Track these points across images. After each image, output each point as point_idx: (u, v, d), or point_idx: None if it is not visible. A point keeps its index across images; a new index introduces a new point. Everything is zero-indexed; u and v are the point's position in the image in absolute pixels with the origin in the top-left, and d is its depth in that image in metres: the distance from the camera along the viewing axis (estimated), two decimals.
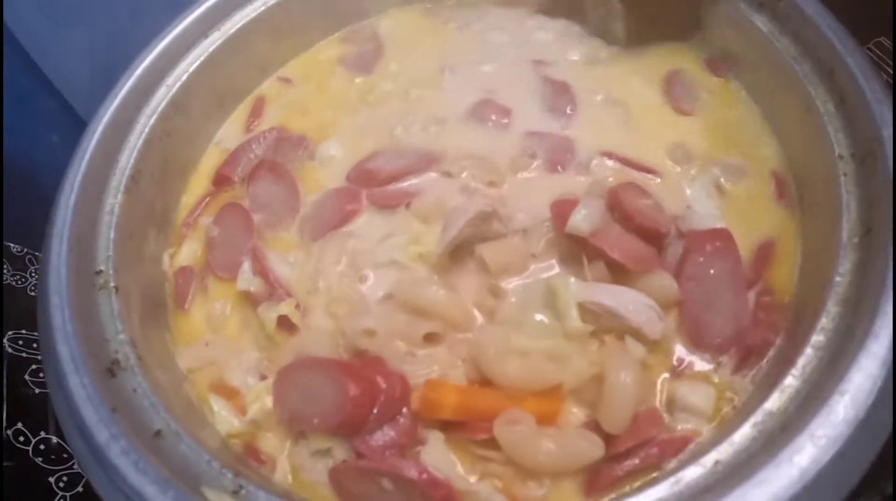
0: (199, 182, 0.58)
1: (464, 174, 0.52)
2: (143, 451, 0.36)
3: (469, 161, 0.52)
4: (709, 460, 0.35)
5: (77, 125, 0.80)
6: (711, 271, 0.44)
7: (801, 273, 0.45)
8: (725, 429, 0.38)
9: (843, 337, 0.38)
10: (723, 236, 0.45)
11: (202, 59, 0.58)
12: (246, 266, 0.49)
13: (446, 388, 0.41)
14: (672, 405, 0.41)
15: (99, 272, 0.47)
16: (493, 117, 0.55)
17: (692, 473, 0.34)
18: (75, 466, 0.63)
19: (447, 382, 0.41)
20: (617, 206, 0.45)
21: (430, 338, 0.43)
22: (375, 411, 0.39)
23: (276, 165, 0.56)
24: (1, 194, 0.69)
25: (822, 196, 0.45)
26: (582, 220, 0.43)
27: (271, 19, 0.61)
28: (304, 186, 0.55)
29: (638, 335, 0.41)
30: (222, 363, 0.47)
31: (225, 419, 0.44)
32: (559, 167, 0.52)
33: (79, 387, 0.39)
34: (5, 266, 0.69)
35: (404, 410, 0.40)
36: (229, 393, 0.46)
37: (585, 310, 0.42)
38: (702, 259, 0.44)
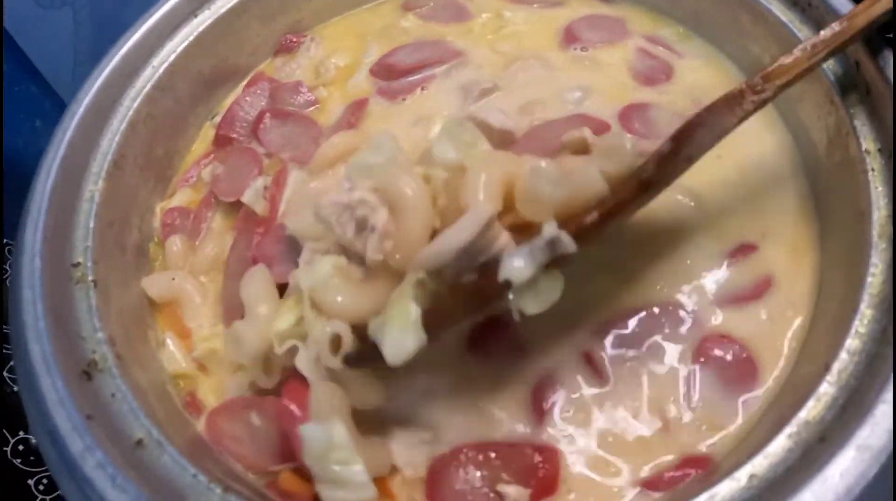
0: (190, 164, 0.53)
1: None
2: (122, 464, 0.31)
3: None
4: (743, 474, 0.31)
5: (60, 111, 0.73)
6: None
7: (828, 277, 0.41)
8: (758, 440, 0.34)
9: (878, 341, 0.34)
10: None
11: (190, 39, 0.53)
12: (259, 182, 0.46)
13: None
14: None
15: (76, 265, 0.42)
16: None
17: (727, 488, 0.30)
18: None
19: None
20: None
21: None
22: None
23: (278, 110, 0.51)
24: None
25: (848, 195, 0.42)
26: None
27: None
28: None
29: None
30: (184, 301, 0.44)
31: (173, 356, 0.42)
32: None
33: (51, 390, 0.34)
34: None
35: None
36: (183, 333, 0.44)
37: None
38: None
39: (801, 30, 0.47)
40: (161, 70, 0.51)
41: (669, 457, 0.36)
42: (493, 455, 0.35)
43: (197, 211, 0.49)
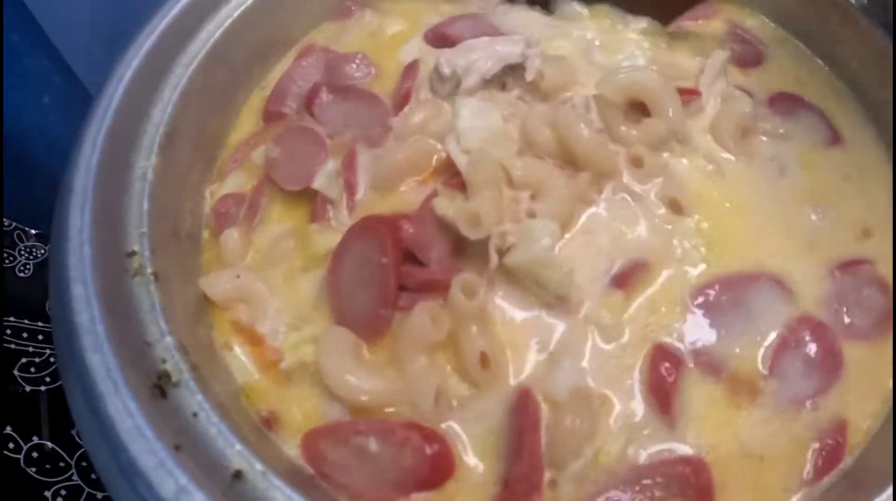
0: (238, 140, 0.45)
1: None
2: None
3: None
4: None
5: (73, 87, 0.65)
6: None
7: None
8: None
9: None
10: None
11: (247, 3, 0.45)
12: (330, 165, 0.41)
13: None
14: None
15: (132, 254, 0.34)
16: None
17: None
18: (75, 477, 0.50)
19: None
20: None
21: None
22: None
23: (336, 84, 0.45)
24: None
25: None
26: None
27: None
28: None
29: None
30: (255, 302, 0.37)
31: (244, 366, 0.35)
32: None
33: (122, 415, 0.26)
34: None
35: None
36: (253, 339, 0.36)
37: None
38: None
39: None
40: (217, 35, 0.43)
41: None
42: None
43: (251, 198, 0.42)
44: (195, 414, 0.29)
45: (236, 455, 0.27)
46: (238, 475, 0.27)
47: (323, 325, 0.36)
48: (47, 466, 0.50)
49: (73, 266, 0.31)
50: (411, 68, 0.46)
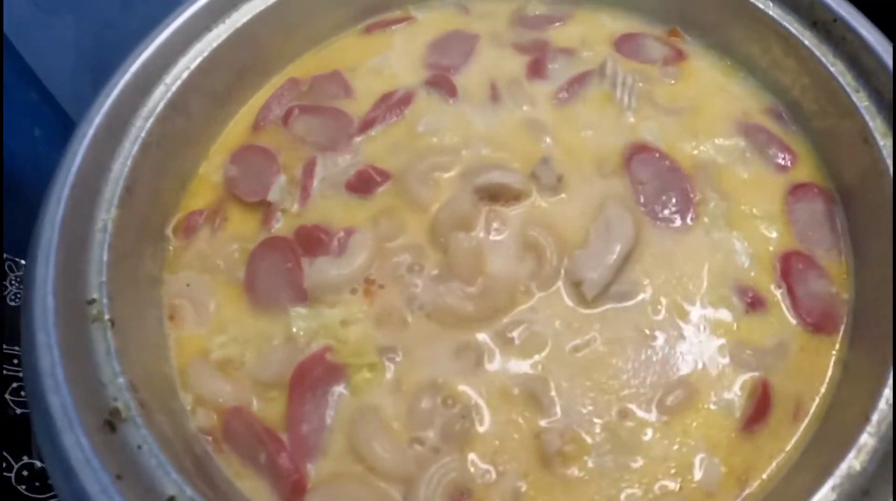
0: (201, 187, 0.50)
1: None
2: None
3: None
4: None
5: (60, 119, 0.70)
6: None
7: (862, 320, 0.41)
8: (799, 492, 0.33)
9: None
10: None
11: (205, 54, 0.49)
12: (282, 179, 0.47)
13: None
14: None
15: (91, 302, 0.39)
16: None
17: None
18: None
19: None
20: None
21: None
22: None
23: (307, 106, 0.51)
24: None
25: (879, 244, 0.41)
26: None
27: (282, 11, 0.52)
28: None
29: None
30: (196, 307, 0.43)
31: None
32: None
33: (75, 448, 0.31)
34: None
35: None
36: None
37: None
38: None
39: (834, 64, 0.46)
40: (174, 88, 0.48)
41: None
42: None
43: (213, 211, 0.48)
44: (139, 447, 0.33)
45: (171, 482, 0.32)
46: (171, 500, 0.32)
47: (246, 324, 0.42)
48: (36, 483, 0.56)
49: (38, 316, 0.36)
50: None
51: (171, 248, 0.47)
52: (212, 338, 0.42)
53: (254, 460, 0.38)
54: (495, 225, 0.43)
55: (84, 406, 0.34)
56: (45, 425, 0.33)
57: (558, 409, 0.38)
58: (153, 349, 0.41)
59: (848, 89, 0.45)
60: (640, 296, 0.41)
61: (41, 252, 0.39)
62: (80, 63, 0.66)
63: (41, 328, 0.36)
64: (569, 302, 0.41)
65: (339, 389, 0.39)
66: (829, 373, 0.40)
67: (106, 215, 0.42)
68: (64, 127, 0.67)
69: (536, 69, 0.51)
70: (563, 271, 0.41)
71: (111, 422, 0.34)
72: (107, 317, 0.39)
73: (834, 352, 0.41)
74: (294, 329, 0.41)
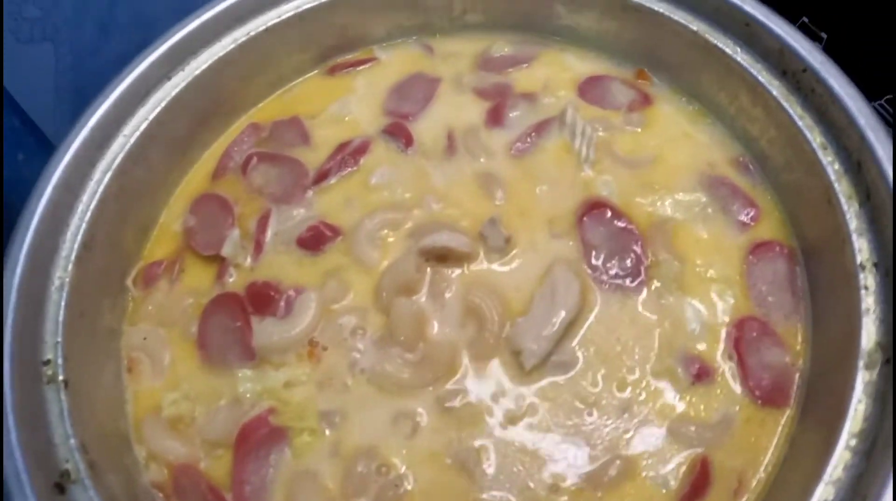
0: (162, 235, 0.51)
1: None
2: None
3: None
4: None
5: (42, 144, 0.72)
6: None
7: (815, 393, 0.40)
8: None
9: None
10: None
11: (164, 103, 0.50)
12: (235, 233, 0.47)
13: None
14: None
15: (47, 362, 0.41)
16: None
17: None
18: None
19: None
20: None
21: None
22: None
23: (265, 153, 0.51)
24: None
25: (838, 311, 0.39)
26: None
27: (243, 56, 0.52)
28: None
29: None
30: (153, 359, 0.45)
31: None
32: None
33: None
34: None
35: None
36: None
37: None
38: None
39: (802, 117, 0.43)
40: (133, 139, 0.48)
41: None
42: None
43: (171, 263, 0.49)
44: None
45: None
46: None
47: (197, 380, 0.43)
48: None
49: None
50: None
51: (130, 299, 0.48)
52: (165, 394, 0.44)
53: None
54: (440, 288, 0.43)
55: (35, 469, 0.36)
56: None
57: (490, 480, 0.38)
58: (109, 404, 0.43)
59: (815, 145, 0.42)
60: (580, 367, 0.41)
61: None
62: (61, 91, 0.67)
63: None
64: (507, 372, 0.41)
65: (281, 450, 0.41)
66: (773, 448, 0.40)
67: (63, 272, 0.44)
68: (46, 152, 0.69)
69: (496, 117, 0.50)
70: (504, 339, 0.41)
71: (61, 484, 0.37)
72: (61, 378, 0.41)
73: (780, 426, 0.40)
74: (241, 389, 0.42)
